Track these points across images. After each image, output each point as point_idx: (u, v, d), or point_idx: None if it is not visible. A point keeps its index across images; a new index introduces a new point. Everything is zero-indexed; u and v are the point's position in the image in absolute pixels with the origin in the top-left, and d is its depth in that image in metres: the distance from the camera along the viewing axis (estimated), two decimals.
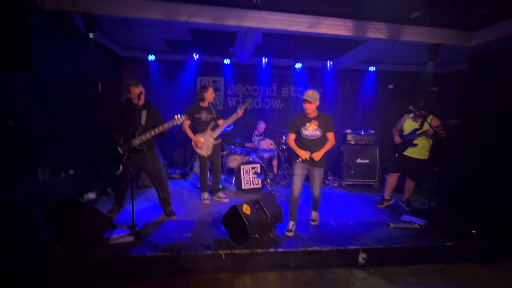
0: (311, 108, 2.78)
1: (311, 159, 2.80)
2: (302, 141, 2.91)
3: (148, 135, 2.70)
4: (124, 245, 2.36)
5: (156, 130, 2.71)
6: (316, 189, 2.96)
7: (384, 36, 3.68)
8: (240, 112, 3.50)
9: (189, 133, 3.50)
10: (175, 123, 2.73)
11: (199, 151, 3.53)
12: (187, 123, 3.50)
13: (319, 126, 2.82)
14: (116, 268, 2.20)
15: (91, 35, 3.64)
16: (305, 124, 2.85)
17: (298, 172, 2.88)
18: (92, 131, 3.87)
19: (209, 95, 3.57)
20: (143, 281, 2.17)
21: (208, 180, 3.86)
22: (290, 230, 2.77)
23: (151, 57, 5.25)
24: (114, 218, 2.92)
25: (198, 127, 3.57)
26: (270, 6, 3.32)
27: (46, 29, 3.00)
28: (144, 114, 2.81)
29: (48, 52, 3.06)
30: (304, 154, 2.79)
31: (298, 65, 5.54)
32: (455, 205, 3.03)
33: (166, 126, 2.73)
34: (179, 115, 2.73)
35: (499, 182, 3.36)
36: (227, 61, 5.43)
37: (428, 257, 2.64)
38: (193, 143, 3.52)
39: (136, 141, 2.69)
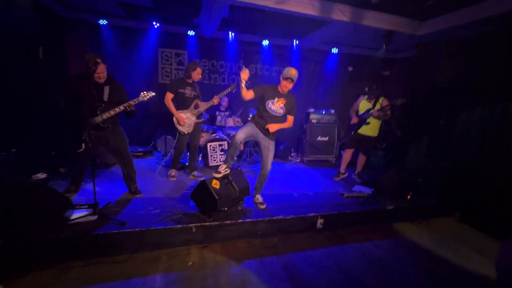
0: (289, 87, 2.72)
1: (266, 129, 2.76)
2: (262, 115, 2.79)
3: (112, 112, 2.55)
4: (87, 224, 2.27)
5: (121, 107, 2.56)
6: (269, 162, 2.81)
7: (347, 19, 3.85)
8: (215, 101, 3.45)
9: (172, 108, 3.34)
10: (141, 99, 2.60)
11: (180, 128, 3.41)
12: (170, 95, 3.33)
13: (285, 105, 2.78)
14: (80, 246, 2.12)
15: None
16: (274, 98, 2.75)
17: (248, 129, 2.77)
18: (34, 104, 3.41)
19: (196, 75, 3.39)
20: (111, 258, 2.15)
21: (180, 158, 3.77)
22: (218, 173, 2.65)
23: (103, 22, 4.66)
24: (72, 199, 2.74)
25: (180, 103, 3.41)
26: None
27: None
28: (106, 89, 2.60)
29: None
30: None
31: (265, 42, 5.49)
32: (396, 176, 3.55)
33: (132, 103, 2.58)
34: (145, 92, 2.60)
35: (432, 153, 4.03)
36: (191, 33, 5.11)
37: (373, 219, 3.13)
38: (174, 120, 3.37)
39: (99, 118, 2.53)
